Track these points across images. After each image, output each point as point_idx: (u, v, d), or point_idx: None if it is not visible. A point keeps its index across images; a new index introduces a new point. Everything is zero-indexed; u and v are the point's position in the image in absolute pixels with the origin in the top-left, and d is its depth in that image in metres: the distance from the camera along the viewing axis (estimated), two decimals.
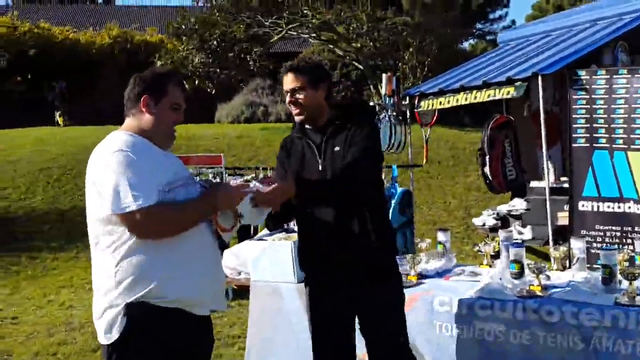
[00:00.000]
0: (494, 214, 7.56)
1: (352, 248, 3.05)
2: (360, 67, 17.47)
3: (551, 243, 5.93)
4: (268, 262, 4.10)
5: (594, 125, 5.64)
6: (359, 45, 17.17)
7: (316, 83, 3.10)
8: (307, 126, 3.17)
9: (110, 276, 2.51)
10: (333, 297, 3.11)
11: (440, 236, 4.28)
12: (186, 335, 2.58)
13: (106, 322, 2.52)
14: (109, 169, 2.46)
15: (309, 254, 3.20)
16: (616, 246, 4.98)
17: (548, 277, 3.59)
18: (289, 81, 3.09)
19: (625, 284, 3.27)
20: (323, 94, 3.12)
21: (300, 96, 3.06)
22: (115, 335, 2.49)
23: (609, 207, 5.56)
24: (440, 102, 6.66)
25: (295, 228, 4.24)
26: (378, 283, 3.10)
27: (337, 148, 3.04)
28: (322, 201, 3.06)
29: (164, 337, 2.52)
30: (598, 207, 5.62)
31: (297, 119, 3.13)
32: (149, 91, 2.64)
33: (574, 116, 5.76)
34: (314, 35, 17.80)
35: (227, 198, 2.66)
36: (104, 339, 2.53)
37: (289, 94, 3.10)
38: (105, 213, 2.46)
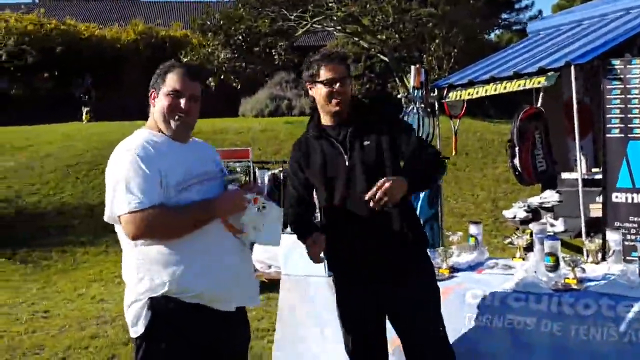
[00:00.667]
0: (524, 206, 7.46)
1: (386, 243, 3.00)
2: (386, 59, 17.36)
3: (584, 235, 5.83)
4: (299, 256, 4.05)
5: (629, 115, 5.53)
6: (384, 37, 17.05)
7: (350, 74, 3.07)
8: (324, 124, 3.08)
9: (134, 270, 2.57)
10: (364, 294, 3.05)
11: (472, 229, 4.21)
12: (208, 330, 2.57)
13: (132, 316, 2.56)
14: (111, 171, 2.54)
15: (338, 251, 3.09)
16: None
17: (583, 270, 3.52)
18: (333, 70, 2.98)
19: None
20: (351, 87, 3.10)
21: (342, 87, 2.97)
22: (141, 328, 2.53)
23: None
24: (469, 93, 6.58)
25: None
26: (412, 278, 3.05)
27: (366, 142, 2.97)
28: (351, 197, 2.98)
29: (187, 331, 2.53)
30: (632, 198, 5.52)
31: (337, 109, 2.99)
32: (154, 85, 2.70)
33: (607, 106, 5.65)
34: (338, 28, 17.72)
35: (225, 206, 2.60)
36: (132, 332, 2.58)
37: (330, 83, 2.97)
38: (106, 214, 2.53)
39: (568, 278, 3.41)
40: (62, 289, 8.07)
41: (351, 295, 3.10)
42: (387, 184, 2.68)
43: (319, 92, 3.03)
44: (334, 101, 2.99)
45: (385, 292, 3.03)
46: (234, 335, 2.71)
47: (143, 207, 2.43)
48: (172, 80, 2.64)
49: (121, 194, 2.46)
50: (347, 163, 2.98)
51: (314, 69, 3.03)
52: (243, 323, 2.81)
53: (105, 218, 2.57)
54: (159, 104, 2.66)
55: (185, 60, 17.71)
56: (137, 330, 2.54)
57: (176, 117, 2.64)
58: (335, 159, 2.99)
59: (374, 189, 2.69)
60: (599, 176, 6.53)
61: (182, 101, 2.65)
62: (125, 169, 2.48)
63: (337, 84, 2.97)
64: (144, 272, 2.53)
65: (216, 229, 2.58)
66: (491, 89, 6.30)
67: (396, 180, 2.73)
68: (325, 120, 3.09)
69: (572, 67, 5.63)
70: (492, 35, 27.23)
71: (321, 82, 2.99)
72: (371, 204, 2.72)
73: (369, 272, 3.02)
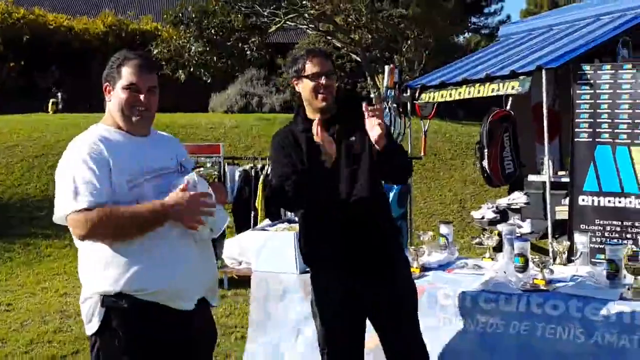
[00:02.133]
0: (493, 207, 7.54)
1: (366, 235, 3.02)
2: (357, 58, 17.41)
3: (550, 237, 5.92)
4: (270, 253, 4.07)
5: (597, 120, 5.62)
6: (356, 36, 17.10)
7: (335, 70, 3.10)
8: (311, 118, 3.07)
9: (87, 268, 2.53)
10: (345, 289, 3.04)
11: (443, 229, 4.26)
12: (165, 328, 2.50)
13: (86, 313, 2.51)
14: (60, 170, 2.48)
15: (317, 246, 3.10)
16: (619, 241, 4.97)
17: (552, 272, 3.57)
18: (319, 64, 3.00)
19: (629, 278, 3.27)
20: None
21: (328, 81, 3.00)
22: (95, 325, 2.48)
23: (609, 201, 5.55)
24: (442, 95, 6.62)
25: (297, 219, 4.25)
26: (393, 269, 3.09)
27: (352, 138, 3.01)
28: (335, 192, 2.99)
29: (141, 329, 2.48)
30: (599, 201, 5.61)
31: (322, 105, 3.01)
32: (108, 78, 2.60)
33: (577, 111, 5.74)
34: (312, 26, 17.72)
35: (179, 212, 2.47)
36: (87, 329, 2.53)
37: (318, 77, 2.99)
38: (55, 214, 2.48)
39: (537, 279, 3.45)
40: (24, 282, 7.93)
41: (331, 291, 3.09)
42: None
43: (305, 87, 3.04)
44: (320, 96, 3.00)
45: (367, 285, 3.03)
46: (195, 334, 2.62)
47: (89, 207, 2.36)
48: (128, 74, 2.55)
49: (68, 194, 2.39)
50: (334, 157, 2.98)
51: (300, 64, 3.04)
52: (206, 321, 2.74)
53: (54, 219, 2.50)
54: (116, 98, 2.57)
55: (155, 52, 17.55)
56: (91, 327, 2.50)
57: (136, 111, 2.57)
58: (321, 152, 2.95)
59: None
60: (565, 179, 6.64)
61: (141, 95, 2.57)
62: (74, 168, 2.42)
63: (323, 78, 2.99)
64: (96, 269, 2.47)
65: (172, 225, 2.50)
66: (465, 92, 6.35)
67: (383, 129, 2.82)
68: (311, 115, 3.08)
69: (544, 72, 5.71)
70: (462, 38, 27.47)
71: (307, 76, 3.01)
72: (369, 112, 2.81)
73: (350, 265, 3.02)
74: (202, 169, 2.69)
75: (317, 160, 2.95)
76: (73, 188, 2.38)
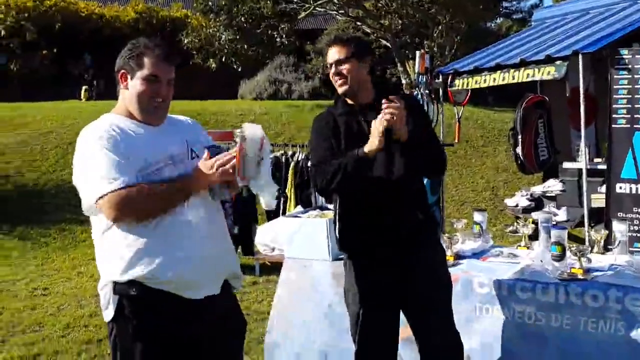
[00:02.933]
0: (527, 194, 7.44)
1: (405, 222, 3.03)
2: (388, 44, 17.27)
3: (587, 225, 5.82)
4: (302, 239, 4.06)
5: (635, 105, 5.50)
6: (386, 22, 16.95)
7: (361, 55, 3.06)
8: (350, 102, 3.10)
9: (101, 256, 2.54)
10: (381, 275, 3.03)
11: (477, 216, 4.21)
12: (176, 318, 2.48)
13: (104, 300, 2.52)
14: (78, 159, 2.47)
15: (355, 231, 3.10)
16: None
17: (589, 260, 3.51)
18: (334, 53, 3.05)
19: None
20: (367, 69, 3.09)
21: (345, 67, 3.02)
22: (111, 312, 2.49)
23: None
24: (477, 81, 6.53)
25: (331, 206, 4.24)
26: (430, 256, 3.11)
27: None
28: (373, 178, 2.98)
29: (152, 318, 2.47)
30: (637, 189, 5.50)
31: (342, 89, 3.06)
32: (126, 66, 2.54)
33: (614, 96, 5.62)
34: (341, 11, 17.61)
35: (200, 179, 2.46)
36: (105, 316, 2.54)
37: (333, 66, 3.05)
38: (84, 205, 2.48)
39: (574, 268, 3.39)
40: (60, 267, 8.07)
41: (366, 277, 3.08)
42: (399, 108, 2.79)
43: (331, 74, 3.11)
44: (338, 82, 3.06)
45: (402, 271, 3.03)
46: (214, 323, 2.58)
47: (123, 186, 2.35)
48: (150, 64, 2.50)
49: (97, 177, 2.38)
50: None
51: (325, 54, 3.12)
52: (229, 308, 2.71)
53: (84, 209, 2.50)
54: (134, 88, 2.52)
55: (186, 41, 17.62)
56: (108, 314, 2.51)
57: (155, 102, 2.54)
58: (362, 137, 2.95)
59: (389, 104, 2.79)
60: (602, 166, 6.51)
61: (161, 86, 2.53)
62: (96, 153, 2.40)
63: (340, 65, 3.03)
64: (110, 258, 2.48)
65: (184, 212, 2.49)
66: (499, 78, 6.26)
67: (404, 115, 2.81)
68: (351, 100, 3.11)
69: (580, 56, 5.59)
70: (493, 24, 27.08)
71: (328, 64, 3.08)
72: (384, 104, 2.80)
73: (386, 251, 3.02)
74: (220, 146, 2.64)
75: (355, 145, 2.94)
76: (102, 172, 2.37)
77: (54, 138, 13.30)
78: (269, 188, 2.57)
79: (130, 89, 2.54)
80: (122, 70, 2.55)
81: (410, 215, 3.06)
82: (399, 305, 3.13)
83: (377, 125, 2.82)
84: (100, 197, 2.38)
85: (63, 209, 10.53)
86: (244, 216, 7.37)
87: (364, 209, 3.07)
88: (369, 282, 3.08)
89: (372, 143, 2.84)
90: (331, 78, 3.10)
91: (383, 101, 2.83)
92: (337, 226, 3.19)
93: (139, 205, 2.40)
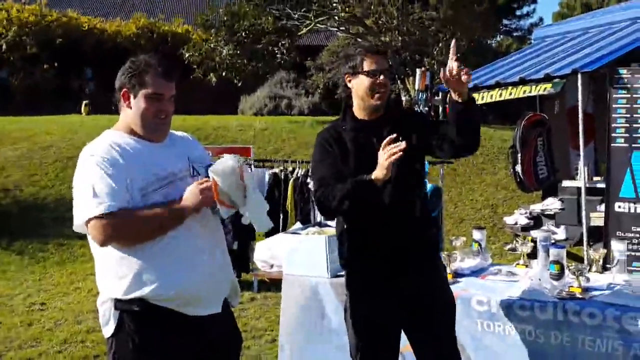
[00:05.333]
0: (526, 212, 7.45)
1: (409, 240, 3.01)
2: (389, 61, 17.35)
3: (585, 244, 5.83)
4: (301, 256, 4.06)
5: (634, 125, 5.53)
6: (387, 39, 17.03)
7: (391, 69, 3.06)
8: (360, 117, 3.04)
9: (101, 273, 2.53)
10: (385, 292, 3.01)
11: (476, 234, 4.20)
12: (177, 335, 2.49)
13: (103, 316, 2.52)
14: (77, 177, 2.47)
15: (359, 247, 3.05)
16: None
17: (587, 279, 3.51)
18: (378, 61, 2.95)
19: None
20: None
21: (385, 79, 2.95)
22: (111, 328, 2.49)
23: None
24: (476, 99, 6.55)
25: (330, 223, 4.24)
26: (433, 274, 3.11)
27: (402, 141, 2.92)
28: (384, 193, 2.93)
29: (154, 334, 2.47)
30: (636, 208, 5.51)
31: (377, 103, 2.96)
32: (127, 84, 2.55)
33: (613, 115, 5.65)
34: (342, 28, 17.71)
35: (192, 203, 2.48)
36: (104, 332, 2.53)
37: (374, 74, 2.93)
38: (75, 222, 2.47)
39: (573, 286, 3.39)
40: (58, 282, 8.04)
41: (370, 296, 3.05)
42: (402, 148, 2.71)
43: (360, 83, 2.97)
44: (377, 95, 2.96)
45: (405, 289, 3.01)
46: (213, 340, 2.59)
47: (110, 211, 2.35)
48: (153, 82, 2.52)
49: (87, 199, 2.38)
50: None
51: (356, 61, 2.98)
52: (227, 325, 2.71)
53: (75, 227, 2.49)
54: (137, 107, 2.53)
55: (187, 55, 17.69)
56: (108, 329, 2.50)
57: (159, 120, 2.55)
58: (369, 154, 2.88)
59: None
60: (600, 185, 6.53)
61: (164, 104, 2.55)
62: (91, 174, 2.41)
63: (381, 76, 2.94)
64: (111, 275, 2.48)
65: (186, 230, 2.49)
66: (497, 95, 6.29)
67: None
68: (360, 114, 3.04)
69: (579, 75, 5.63)
70: (493, 42, 27.24)
71: (365, 72, 2.95)
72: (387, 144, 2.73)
73: (389, 268, 2.99)
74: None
75: (362, 162, 2.91)
76: (92, 195, 2.37)
77: (53, 152, 13.30)
78: (259, 214, 2.61)
79: (134, 107, 2.55)
80: (124, 89, 2.56)
81: (415, 234, 3.03)
82: (399, 325, 3.10)
83: (384, 161, 2.73)
84: (89, 220, 2.38)
85: (62, 224, 10.48)
86: (243, 232, 7.36)
87: (368, 227, 3.02)
88: (370, 302, 3.04)
89: (381, 173, 2.76)
90: (364, 87, 2.96)
91: (385, 140, 2.75)
92: (340, 243, 3.16)
93: (128, 232, 2.41)
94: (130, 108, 2.55)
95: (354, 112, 3.07)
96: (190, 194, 2.49)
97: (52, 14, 23.69)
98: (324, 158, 3.01)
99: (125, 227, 2.39)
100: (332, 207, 2.91)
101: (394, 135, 2.76)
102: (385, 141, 2.75)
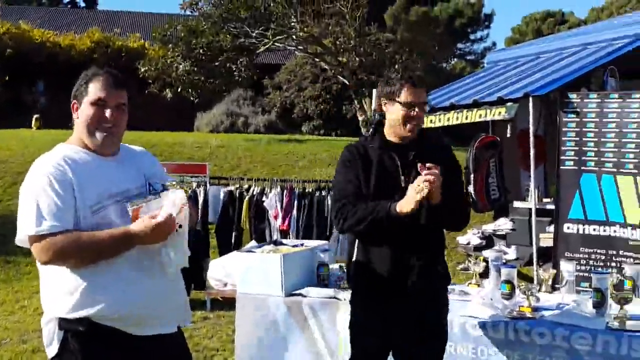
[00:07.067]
0: (479, 232, 7.56)
1: (426, 260, 3.01)
2: (346, 81, 17.50)
3: (535, 264, 5.94)
4: (256, 275, 4.02)
5: (583, 148, 5.67)
6: (344, 59, 17.17)
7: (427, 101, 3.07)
8: (389, 139, 3.03)
9: (46, 291, 2.46)
10: (389, 315, 3.02)
11: None
12: (123, 355, 2.43)
13: (47, 336, 2.45)
14: (23, 190, 2.40)
15: (371, 268, 3.03)
16: (604, 269, 4.99)
17: (537, 299, 3.58)
18: (416, 93, 2.95)
19: (615, 307, 3.27)
20: None
21: (420, 112, 2.97)
22: (54, 349, 2.43)
23: (594, 230, 5.58)
24: (431, 121, 6.66)
25: (285, 241, 4.23)
26: (443, 300, 3.17)
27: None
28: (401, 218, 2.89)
29: (99, 355, 2.41)
30: (584, 229, 5.64)
31: (408, 135, 2.96)
32: (77, 95, 2.51)
33: (563, 139, 5.79)
34: (300, 47, 17.78)
35: (148, 234, 2.38)
36: (48, 352, 2.46)
37: (410, 106, 2.93)
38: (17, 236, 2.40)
39: (523, 306, 3.44)
40: (3, 300, 7.79)
41: (371, 318, 3.06)
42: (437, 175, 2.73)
43: (395, 111, 2.97)
44: (408, 126, 2.95)
45: (406, 312, 3.01)
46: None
47: (53, 232, 2.29)
48: (96, 89, 2.46)
49: (31, 217, 2.31)
50: (402, 184, 2.91)
51: (395, 87, 2.96)
52: (176, 345, 2.65)
53: (17, 240, 2.42)
54: (82, 114, 2.47)
55: (142, 69, 17.51)
56: (51, 350, 2.43)
57: (102, 128, 2.48)
58: (393, 176, 2.92)
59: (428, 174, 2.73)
60: (550, 206, 6.67)
61: (108, 111, 2.47)
62: (38, 189, 2.34)
63: (416, 109, 2.94)
64: (56, 294, 2.41)
65: (135, 249, 2.42)
66: (453, 118, 6.40)
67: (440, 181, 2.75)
68: (391, 137, 3.03)
69: (530, 99, 5.76)
70: (448, 65, 27.74)
71: (401, 103, 2.94)
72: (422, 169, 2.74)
73: (396, 290, 2.98)
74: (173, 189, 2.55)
75: (381, 180, 2.92)
76: (36, 211, 2.31)
77: (2, 167, 12.95)
78: (178, 259, 2.52)
79: (80, 115, 2.49)
80: (74, 100, 2.52)
81: (427, 261, 3.02)
82: (390, 348, 3.11)
83: (414, 193, 2.74)
84: (30, 237, 2.32)
85: (9, 241, 10.11)
86: (195, 250, 7.28)
87: (383, 250, 2.99)
88: (371, 323, 3.06)
89: (407, 205, 2.77)
90: (397, 116, 2.95)
91: (419, 166, 2.76)
92: (351, 260, 3.13)
93: (71, 255, 2.34)
94: (78, 118, 2.51)
95: (384, 131, 3.06)
96: (143, 227, 2.38)
97: (3, 25, 23.20)
98: (346, 173, 3.02)
99: (69, 249, 2.32)
100: (347, 225, 2.94)
101: (431, 165, 2.76)
102: (420, 178, 2.74)
